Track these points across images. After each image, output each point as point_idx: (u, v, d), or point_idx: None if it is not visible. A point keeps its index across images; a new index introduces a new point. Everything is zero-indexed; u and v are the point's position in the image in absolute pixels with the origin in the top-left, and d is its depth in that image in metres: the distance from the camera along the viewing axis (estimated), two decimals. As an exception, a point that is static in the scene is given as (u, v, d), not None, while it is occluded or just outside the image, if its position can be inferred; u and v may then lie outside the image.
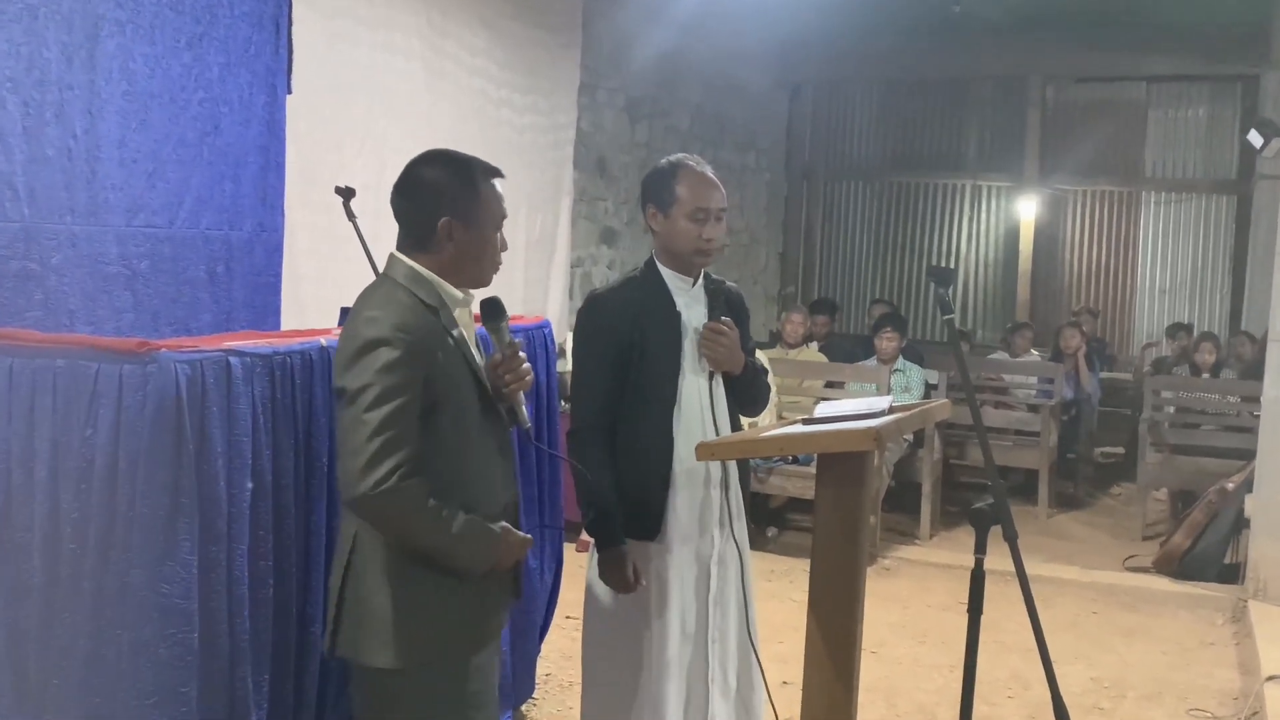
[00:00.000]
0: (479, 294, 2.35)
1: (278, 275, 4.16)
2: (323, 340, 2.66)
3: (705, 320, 2.78)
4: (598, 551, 2.77)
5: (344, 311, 3.27)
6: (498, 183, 2.29)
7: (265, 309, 4.08)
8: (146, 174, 3.60)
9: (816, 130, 11.31)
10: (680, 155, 2.81)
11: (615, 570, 2.73)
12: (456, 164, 2.26)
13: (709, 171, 2.78)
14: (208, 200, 3.82)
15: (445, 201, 2.21)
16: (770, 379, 3.13)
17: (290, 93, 4.16)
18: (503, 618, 2.38)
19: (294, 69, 4.15)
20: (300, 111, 4.40)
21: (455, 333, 2.23)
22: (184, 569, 2.25)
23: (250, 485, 2.39)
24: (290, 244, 4.31)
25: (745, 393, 2.88)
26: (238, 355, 2.39)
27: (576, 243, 7.48)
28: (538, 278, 6.89)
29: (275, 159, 4.10)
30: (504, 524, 2.26)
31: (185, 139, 3.72)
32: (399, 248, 2.26)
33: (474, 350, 2.30)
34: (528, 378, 2.34)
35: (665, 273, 2.81)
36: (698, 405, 2.77)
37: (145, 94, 3.57)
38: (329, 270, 4.72)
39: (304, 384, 2.57)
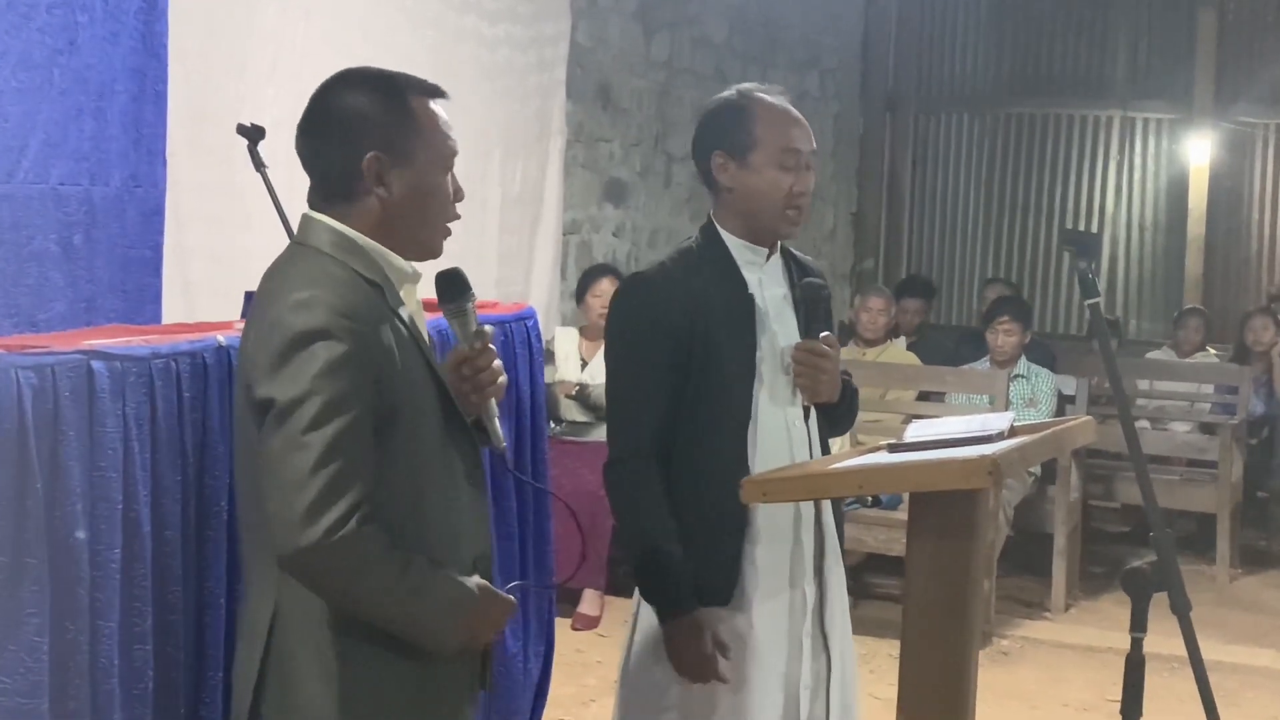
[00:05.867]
0: (427, 267, 2.36)
1: (157, 248, 4.17)
2: (220, 337, 2.66)
3: (784, 303, 2.84)
4: (661, 622, 2.80)
5: (249, 297, 3.29)
6: (438, 105, 2.30)
7: (141, 294, 4.09)
8: (-24, 108, 3.61)
9: (904, 42, 11.28)
10: (747, 85, 2.90)
11: (688, 645, 2.75)
12: (380, 81, 2.27)
13: (790, 105, 2.89)
14: (60, 144, 3.82)
15: (369, 130, 2.22)
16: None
17: (175, -6, 4.17)
18: (468, 715, 2.38)
19: (179, -39, 4.17)
20: (189, 21, 4.40)
21: (407, 318, 2.25)
22: (30, 655, 2.24)
23: (121, 537, 2.39)
24: (174, 204, 4.31)
25: (838, 424, 2.99)
26: (103, 358, 2.39)
27: (571, 201, 7.48)
28: (517, 249, 6.89)
29: (154, 87, 4.11)
30: (480, 580, 2.28)
31: (29, 59, 3.72)
32: (313, 206, 2.27)
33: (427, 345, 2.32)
34: (501, 379, 2.37)
35: (731, 242, 2.88)
36: (782, 423, 2.84)
37: (-26, -3, 3.58)
38: (227, 241, 4.72)
39: (195, 398, 2.58)
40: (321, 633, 2.17)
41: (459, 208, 2.34)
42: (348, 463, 2.06)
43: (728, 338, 2.81)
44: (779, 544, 2.83)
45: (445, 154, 2.28)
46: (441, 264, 2.36)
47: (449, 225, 2.32)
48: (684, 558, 2.75)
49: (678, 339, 2.79)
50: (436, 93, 2.30)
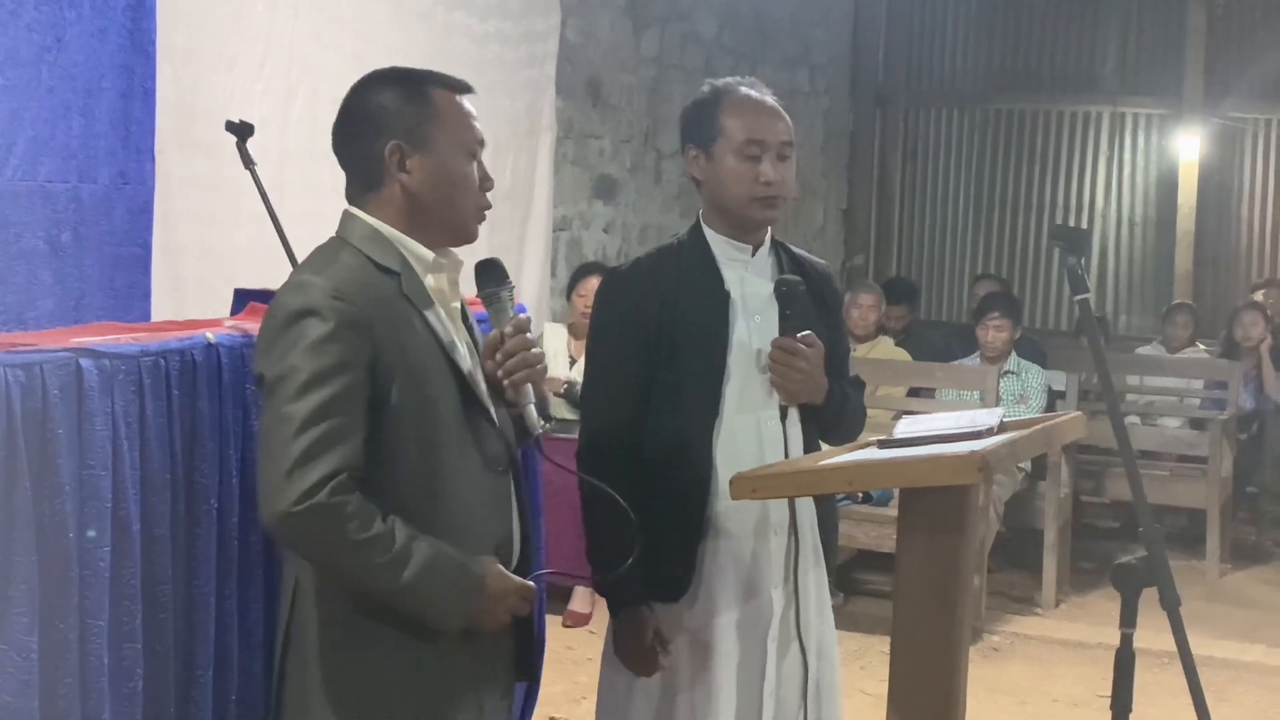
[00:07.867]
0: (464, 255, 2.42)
1: (146, 245, 4.16)
2: (210, 335, 2.66)
3: (770, 301, 2.81)
4: (610, 614, 2.84)
5: (239, 295, 3.29)
6: (465, 100, 2.38)
7: (130, 292, 4.08)
8: (-37, 105, 3.61)
9: (894, 38, 11.28)
10: (724, 79, 2.90)
11: (629, 638, 2.79)
12: (402, 75, 2.37)
13: (768, 97, 2.86)
14: (48, 141, 3.81)
15: (391, 120, 2.30)
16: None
17: (163, -10, 4.17)
18: (486, 705, 2.40)
19: (167, -43, 4.16)
20: (177, 17, 4.39)
21: (424, 307, 2.29)
22: (20, 654, 2.24)
23: (110, 536, 2.39)
24: (164, 202, 4.31)
25: (830, 430, 2.93)
26: (92, 356, 2.38)
27: (561, 197, 7.48)
28: (508, 244, 6.89)
29: (142, 83, 4.10)
30: (490, 560, 2.31)
31: (16, 55, 3.72)
32: (350, 201, 2.36)
33: (455, 333, 2.36)
34: (537, 365, 2.40)
35: (713, 238, 2.88)
36: (753, 422, 2.81)
37: (-40, -6, 3.58)
38: (216, 238, 4.71)
39: (184, 395, 2.57)
40: (330, 604, 2.26)
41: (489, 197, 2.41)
42: (327, 431, 2.13)
43: (699, 333, 2.80)
44: (741, 544, 2.81)
45: (467, 140, 2.35)
46: (475, 253, 2.43)
47: (482, 211, 2.39)
48: (640, 552, 2.70)
49: (647, 332, 2.80)
50: (461, 88, 2.39)
